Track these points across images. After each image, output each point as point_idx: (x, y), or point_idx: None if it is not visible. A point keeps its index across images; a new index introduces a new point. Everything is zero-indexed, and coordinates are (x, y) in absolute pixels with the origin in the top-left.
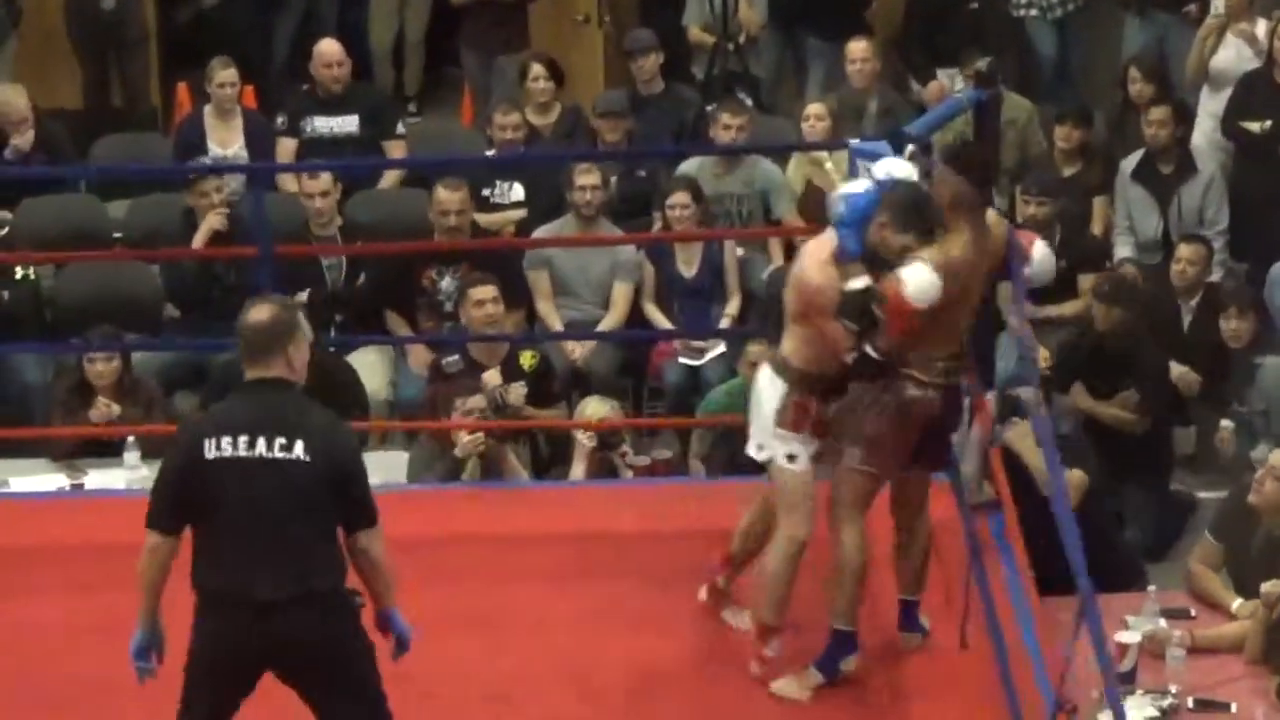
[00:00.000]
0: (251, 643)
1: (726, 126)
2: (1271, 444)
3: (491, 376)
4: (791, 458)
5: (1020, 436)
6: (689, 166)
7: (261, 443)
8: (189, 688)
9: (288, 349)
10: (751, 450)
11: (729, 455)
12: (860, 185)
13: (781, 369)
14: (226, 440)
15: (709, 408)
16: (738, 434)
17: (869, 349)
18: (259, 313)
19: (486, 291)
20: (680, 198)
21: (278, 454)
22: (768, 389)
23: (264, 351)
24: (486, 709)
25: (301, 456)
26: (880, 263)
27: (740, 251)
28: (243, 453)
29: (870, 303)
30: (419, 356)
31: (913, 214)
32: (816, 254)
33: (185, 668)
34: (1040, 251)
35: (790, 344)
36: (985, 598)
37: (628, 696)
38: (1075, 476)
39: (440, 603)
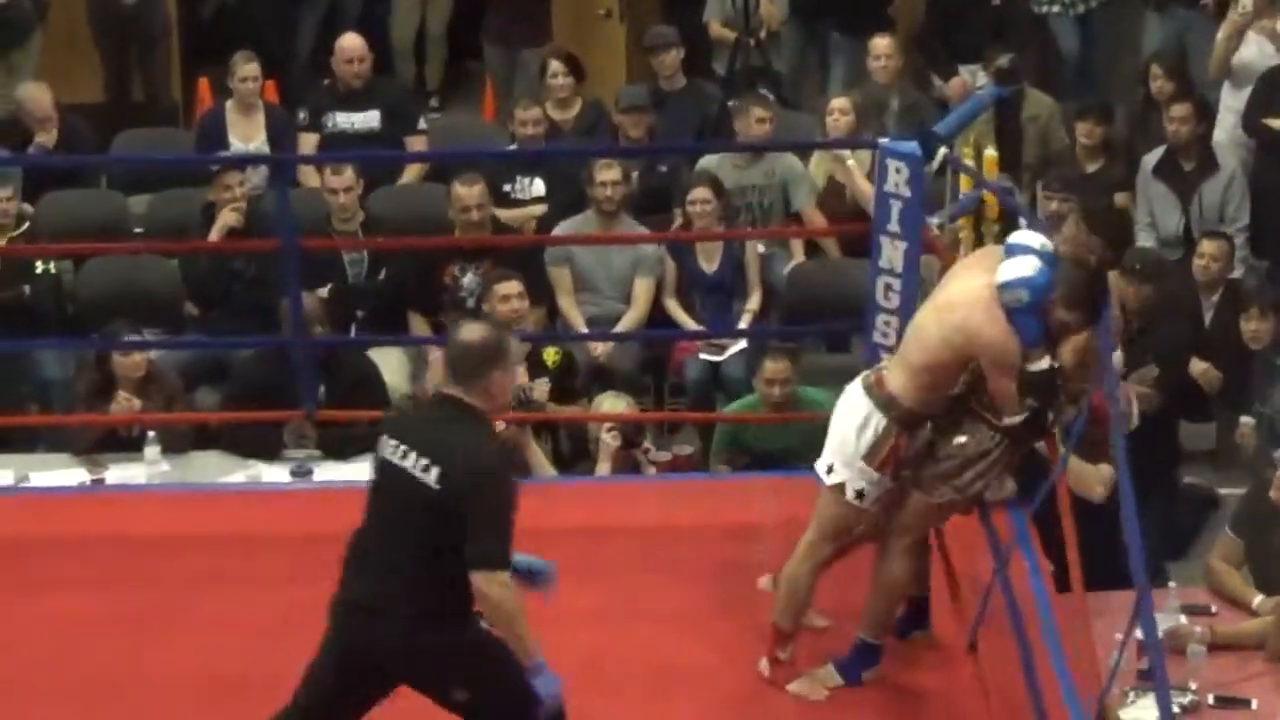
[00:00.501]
0: (355, 646)
1: (760, 120)
2: None
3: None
4: (860, 495)
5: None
6: (710, 159)
7: (412, 456)
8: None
9: (491, 374)
10: (820, 468)
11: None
12: (1028, 266)
13: (886, 405)
14: (393, 443)
15: (724, 428)
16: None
17: (1041, 417)
18: (469, 333)
19: (512, 287)
20: (701, 193)
21: (417, 472)
22: (857, 416)
23: (462, 373)
24: None
25: (432, 483)
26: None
27: (761, 248)
28: (396, 459)
29: (1056, 380)
30: (439, 358)
31: (1083, 292)
32: (991, 309)
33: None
34: None
35: (904, 381)
36: (1008, 597)
37: (647, 692)
38: (1105, 470)
39: None
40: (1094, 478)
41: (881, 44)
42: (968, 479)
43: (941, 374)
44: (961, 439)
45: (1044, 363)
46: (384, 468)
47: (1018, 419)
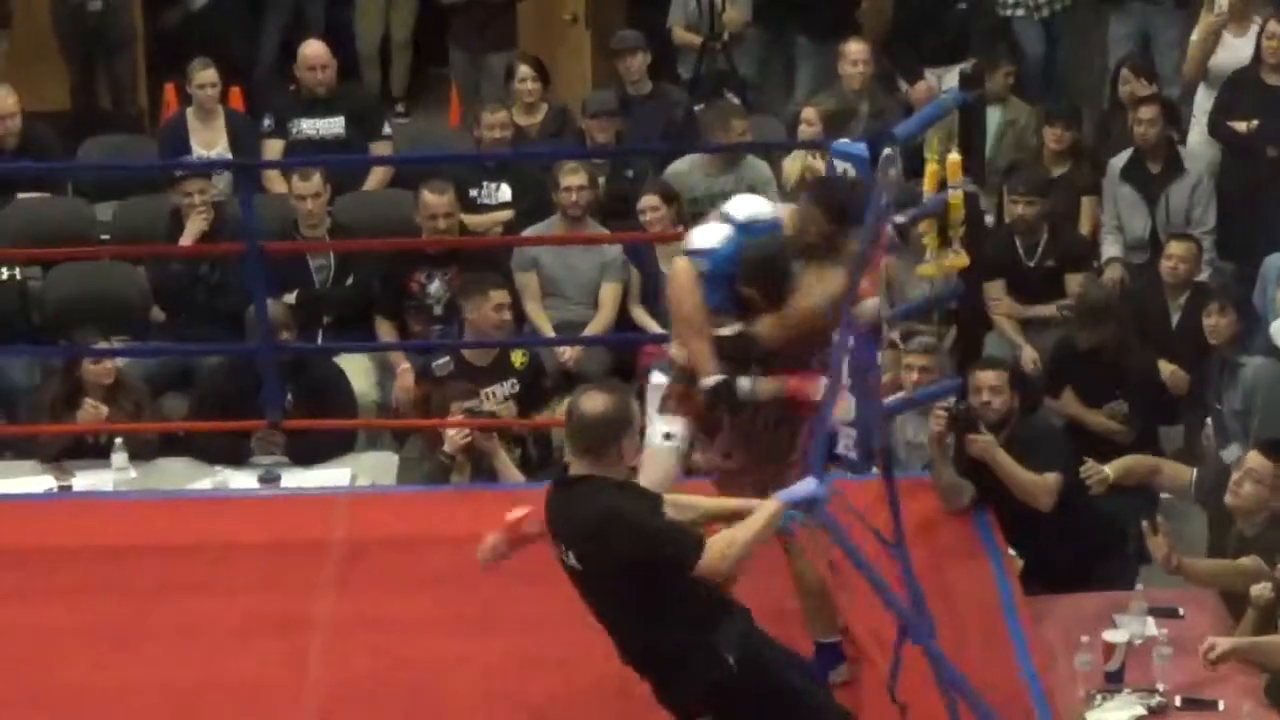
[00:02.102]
0: None
1: (741, 134)
2: (1244, 445)
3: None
4: (668, 436)
5: (988, 447)
6: (681, 165)
7: (565, 550)
8: None
9: (621, 442)
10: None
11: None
12: (715, 236)
13: (668, 367)
14: (560, 548)
15: None
16: None
17: (740, 382)
18: (593, 403)
19: (505, 296)
20: (650, 200)
21: (574, 563)
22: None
23: (591, 447)
24: (479, 706)
25: (576, 566)
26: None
27: None
28: (569, 563)
29: (746, 347)
30: (407, 368)
31: (758, 271)
32: (681, 273)
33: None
34: (869, 308)
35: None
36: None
37: (617, 695)
38: (1050, 480)
39: (430, 603)
40: (1040, 487)
41: (855, 49)
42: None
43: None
44: None
45: (730, 329)
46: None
47: (710, 381)
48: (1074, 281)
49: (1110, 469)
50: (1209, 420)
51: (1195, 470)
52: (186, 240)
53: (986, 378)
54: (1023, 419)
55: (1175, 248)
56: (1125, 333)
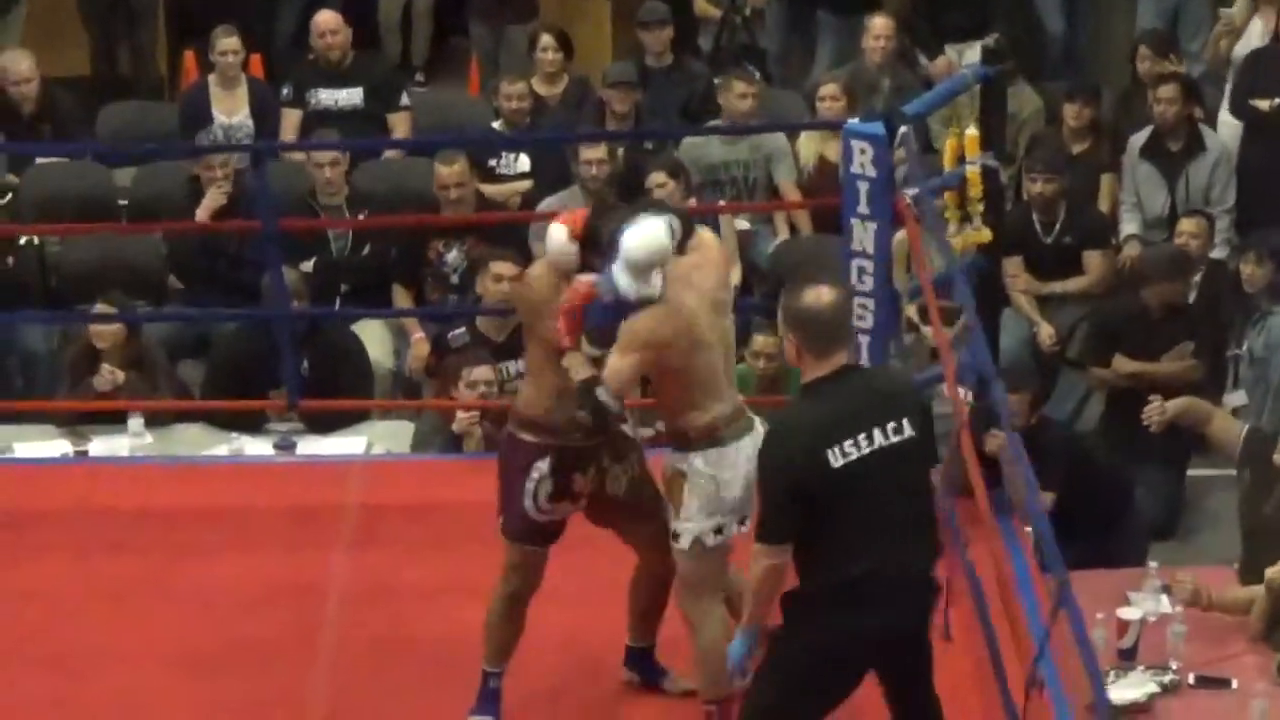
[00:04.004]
0: (905, 619)
1: (742, 95)
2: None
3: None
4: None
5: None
6: (695, 138)
7: (878, 434)
8: (790, 695)
9: (850, 325)
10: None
11: None
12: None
13: None
14: (849, 444)
15: None
16: None
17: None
18: (821, 295)
19: (508, 268)
20: (658, 177)
21: (893, 439)
22: None
23: (838, 337)
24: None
25: (911, 433)
26: None
27: (746, 224)
28: (865, 451)
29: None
30: (421, 336)
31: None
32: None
33: (779, 669)
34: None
35: None
36: (972, 582)
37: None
38: (1015, 401)
39: (445, 570)
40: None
41: (880, 23)
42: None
43: None
44: None
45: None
46: (854, 471)
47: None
48: (1092, 259)
49: (1170, 406)
50: (1224, 399)
51: (1245, 426)
52: (203, 213)
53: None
54: (1038, 431)
55: (1187, 224)
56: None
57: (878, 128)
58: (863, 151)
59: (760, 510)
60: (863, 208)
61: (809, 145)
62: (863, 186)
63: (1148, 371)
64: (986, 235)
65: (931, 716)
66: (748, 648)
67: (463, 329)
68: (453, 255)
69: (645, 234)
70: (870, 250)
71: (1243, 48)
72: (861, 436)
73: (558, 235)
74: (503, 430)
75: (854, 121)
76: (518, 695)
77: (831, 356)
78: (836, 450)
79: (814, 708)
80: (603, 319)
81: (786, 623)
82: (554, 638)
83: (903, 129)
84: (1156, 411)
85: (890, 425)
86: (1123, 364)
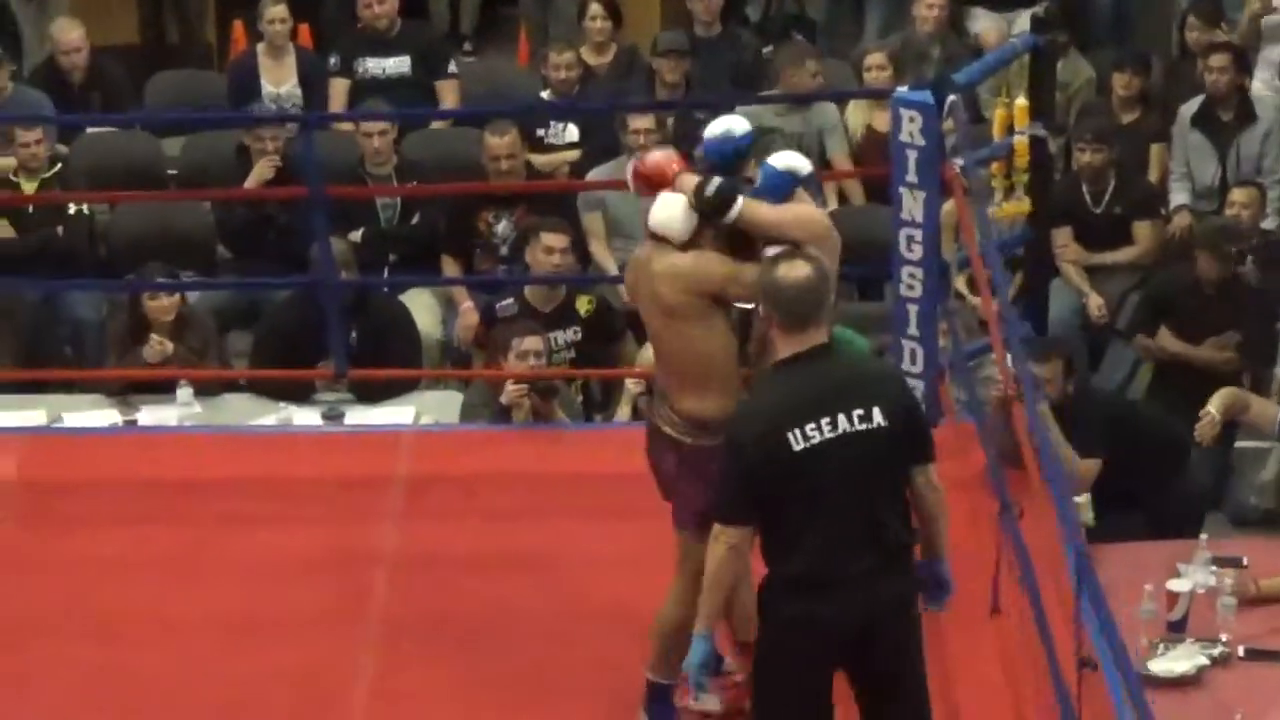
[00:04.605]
0: (846, 618)
1: (814, 74)
2: None
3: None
4: None
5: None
6: (747, 107)
7: (843, 419)
8: (769, 687)
9: (827, 302)
10: None
11: None
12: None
13: None
14: (811, 428)
15: None
16: None
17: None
18: (795, 269)
19: (559, 240)
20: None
21: (859, 426)
22: None
23: (812, 314)
24: (539, 644)
25: (880, 423)
26: None
27: None
28: (828, 435)
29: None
30: (470, 306)
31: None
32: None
33: (759, 664)
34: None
35: None
36: (1021, 556)
37: None
38: (1088, 466)
39: (493, 541)
40: (1075, 469)
41: None
42: None
43: None
44: None
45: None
46: (814, 455)
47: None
48: (1141, 229)
49: (1213, 408)
50: (1276, 371)
51: None
52: (252, 183)
53: (1038, 371)
54: (1078, 399)
55: (1238, 194)
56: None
57: (926, 96)
58: (911, 120)
59: (720, 488)
60: (911, 176)
61: (856, 115)
62: (911, 155)
63: (1189, 355)
64: (1026, 206)
65: None
66: (703, 655)
67: (511, 299)
68: (502, 226)
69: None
70: (919, 219)
71: (1270, 20)
72: (825, 421)
73: (674, 206)
74: (685, 448)
75: (903, 90)
76: (561, 667)
77: (805, 333)
78: (798, 433)
79: (790, 701)
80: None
81: (759, 611)
82: (612, 600)
83: (951, 98)
84: (1208, 427)
85: (857, 412)
86: (1167, 341)
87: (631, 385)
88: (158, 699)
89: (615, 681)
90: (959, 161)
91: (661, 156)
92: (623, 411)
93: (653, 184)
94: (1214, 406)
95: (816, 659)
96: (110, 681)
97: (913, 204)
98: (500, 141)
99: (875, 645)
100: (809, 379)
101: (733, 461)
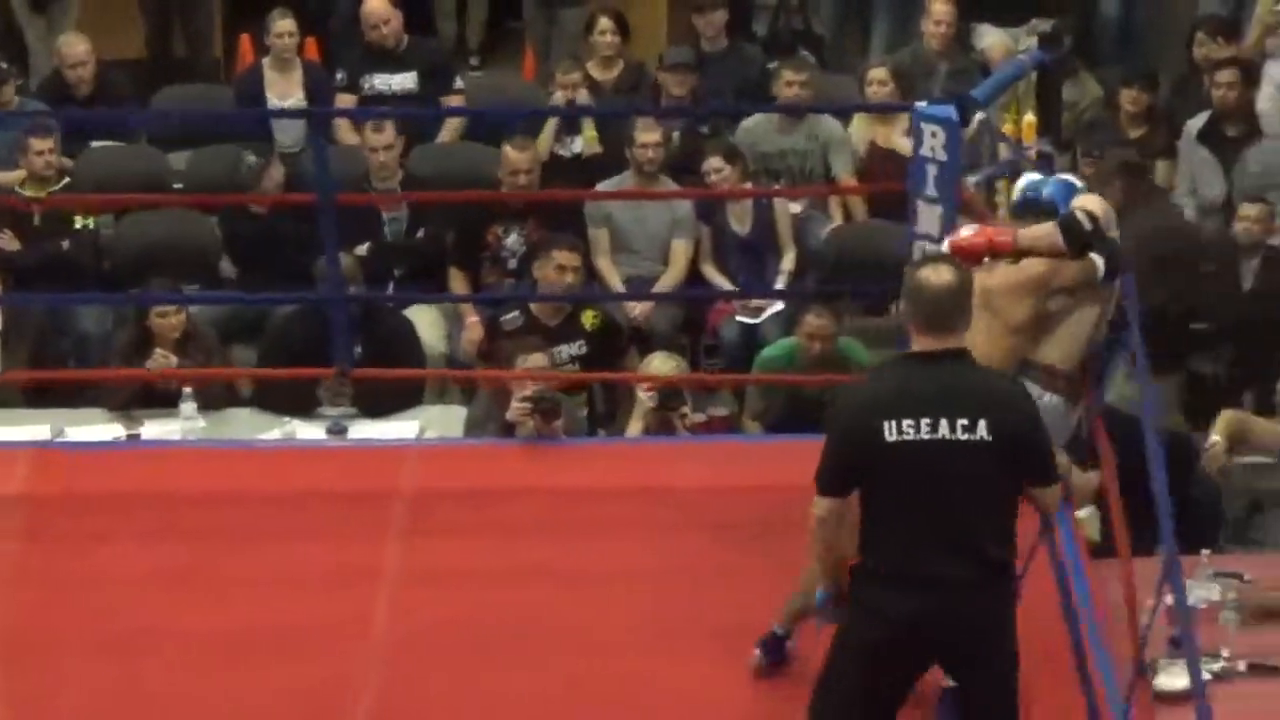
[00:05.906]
0: (917, 619)
1: (789, 83)
2: None
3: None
4: None
5: None
6: (751, 121)
7: (944, 425)
8: (831, 666)
9: (970, 312)
10: None
11: (785, 414)
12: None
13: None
14: (908, 423)
15: (762, 365)
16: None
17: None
18: (939, 274)
19: (571, 259)
20: (714, 162)
21: (960, 435)
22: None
23: (948, 318)
24: (546, 659)
25: (984, 437)
26: None
27: (798, 208)
28: (924, 435)
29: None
30: (475, 320)
31: None
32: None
33: (833, 641)
34: None
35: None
36: (1053, 560)
37: (710, 652)
38: (1088, 479)
39: (499, 556)
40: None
41: (941, 8)
42: None
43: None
44: None
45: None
46: (905, 449)
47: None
48: None
49: (1218, 434)
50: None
51: None
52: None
53: None
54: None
55: (1248, 209)
56: (1200, 284)
57: (950, 111)
58: (934, 135)
59: (820, 458)
60: (930, 190)
61: (860, 130)
62: (931, 170)
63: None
64: None
65: None
66: (822, 601)
67: (516, 312)
68: (512, 239)
69: None
70: (935, 233)
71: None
72: (924, 420)
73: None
74: None
75: (924, 104)
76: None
77: (936, 335)
78: (892, 424)
79: (844, 687)
80: None
81: (849, 595)
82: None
83: (980, 115)
84: (1217, 457)
85: (961, 421)
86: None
87: (645, 399)
88: (159, 714)
89: (623, 697)
90: (973, 179)
91: (967, 231)
92: (634, 427)
93: (975, 258)
94: (1219, 434)
95: (880, 653)
96: (112, 697)
97: (929, 218)
98: (520, 156)
99: (955, 658)
100: (921, 378)
101: (830, 436)
